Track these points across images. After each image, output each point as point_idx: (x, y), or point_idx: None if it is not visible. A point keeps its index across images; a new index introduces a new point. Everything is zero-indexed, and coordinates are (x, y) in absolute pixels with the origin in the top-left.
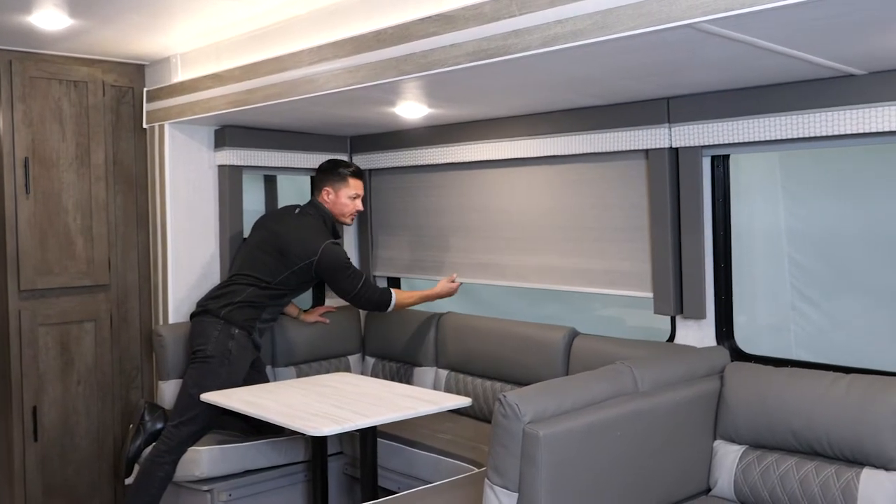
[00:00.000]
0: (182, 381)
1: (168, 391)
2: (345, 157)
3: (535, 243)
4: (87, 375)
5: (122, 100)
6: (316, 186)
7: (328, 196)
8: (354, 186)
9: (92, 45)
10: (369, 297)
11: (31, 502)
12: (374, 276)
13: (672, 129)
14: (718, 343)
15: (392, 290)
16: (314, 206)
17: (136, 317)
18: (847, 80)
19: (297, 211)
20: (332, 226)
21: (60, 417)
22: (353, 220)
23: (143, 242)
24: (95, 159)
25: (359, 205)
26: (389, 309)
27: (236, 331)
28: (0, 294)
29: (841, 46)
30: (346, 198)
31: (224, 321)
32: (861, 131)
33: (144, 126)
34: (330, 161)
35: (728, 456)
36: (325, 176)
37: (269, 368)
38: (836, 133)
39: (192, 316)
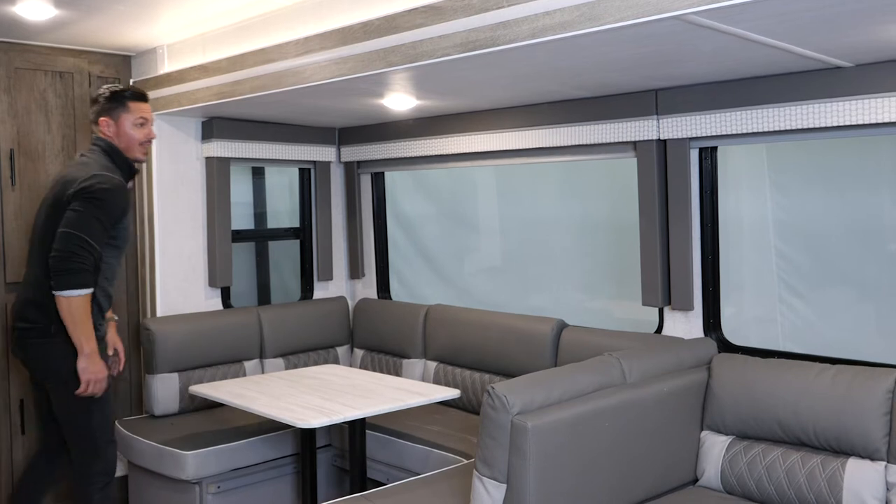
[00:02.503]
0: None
1: (157, 385)
2: (333, 150)
3: None
4: None
5: None
6: (93, 122)
7: (108, 129)
8: (138, 110)
9: (77, 36)
10: (73, 259)
11: None
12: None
13: (660, 121)
14: (706, 334)
15: (88, 291)
16: (95, 142)
17: (123, 310)
18: (834, 73)
19: (78, 156)
20: (128, 164)
21: None
22: (145, 152)
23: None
24: (82, 151)
25: (150, 131)
26: (66, 293)
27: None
28: None
29: (829, 38)
30: (130, 126)
31: (61, 339)
32: (848, 123)
33: None
34: (101, 90)
35: (715, 446)
36: (100, 106)
37: (257, 360)
38: (823, 125)
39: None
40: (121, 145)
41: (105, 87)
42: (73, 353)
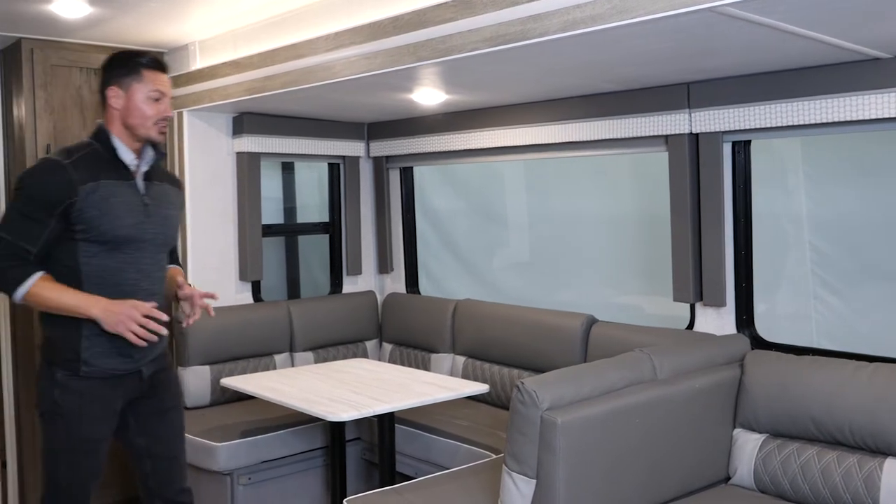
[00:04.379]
0: None
1: (189, 377)
2: (362, 145)
3: None
4: None
5: None
6: (101, 92)
7: (116, 101)
8: (154, 81)
9: (111, 33)
10: None
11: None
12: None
13: (692, 115)
14: (738, 331)
15: (34, 279)
16: (96, 129)
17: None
18: (872, 64)
19: None
20: (112, 149)
21: None
22: (161, 133)
23: None
24: None
25: (165, 108)
26: (14, 297)
27: (59, 373)
28: None
29: (866, 29)
30: (142, 99)
31: (45, 361)
32: (885, 116)
33: None
34: (112, 54)
35: (748, 444)
36: (109, 72)
37: (287, 354)
38: (860, 118)
39: None
40: (129, 121)
41: (112, 53)
42: (48, 378)
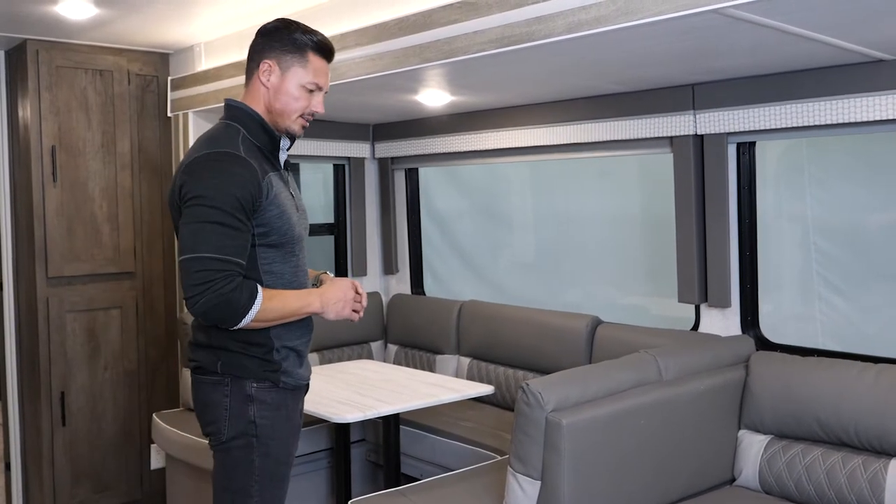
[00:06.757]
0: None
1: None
2: (367, 146)
3: None
4: (113, 362)
5: (147, 88)
6: (252, 59)
7: (267, 76)
8: (316, 71)
9: (117, 35)
10: (206, 293)
11: (59, 487)
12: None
13: (697, 116)
14: (743, 332)
15: (260, 295)
16: (228, 109)
17: (161, 304)
18: (876, 66)
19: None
20: (270, 135)
21: (88, 403)
22: (302, 128)
23: (168, 230)
24: (121, 147)
25: (317, 103)
26: (240, 325)
27: (253, 386)
28: (28, 281)
29: (871, 31)
30: (296, 85)
31: (225, 376)
32: (890, 117)
33: (169, 114)
34: (280, 20)
35: (753, 446)
36: (270, 42)
37: None
38: (864, 119)
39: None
40: (275, 105)
41: (278, 19)
42: (237, 395)
